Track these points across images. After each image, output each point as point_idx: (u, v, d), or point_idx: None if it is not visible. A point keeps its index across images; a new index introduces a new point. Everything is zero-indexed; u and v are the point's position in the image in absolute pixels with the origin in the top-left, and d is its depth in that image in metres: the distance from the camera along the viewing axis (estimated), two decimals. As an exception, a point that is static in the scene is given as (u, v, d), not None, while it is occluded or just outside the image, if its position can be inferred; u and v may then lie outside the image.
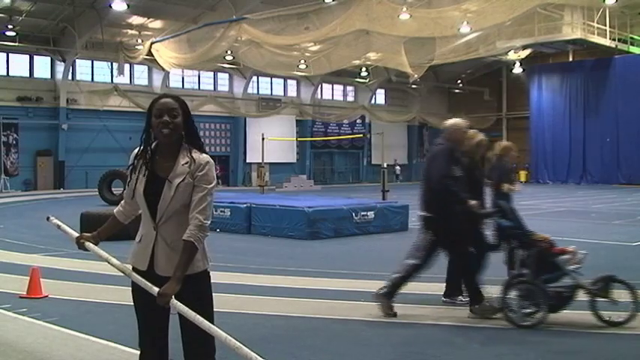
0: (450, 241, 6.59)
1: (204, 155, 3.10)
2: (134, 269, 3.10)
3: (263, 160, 30.22)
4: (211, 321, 3.02)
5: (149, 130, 3.12)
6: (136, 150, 3.19)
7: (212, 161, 3.11)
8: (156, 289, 2.95)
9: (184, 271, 2.96)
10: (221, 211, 14.65)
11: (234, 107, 39.45)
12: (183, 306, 2.94)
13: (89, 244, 3.22)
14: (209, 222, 3.03)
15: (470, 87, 49.15)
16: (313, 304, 7.12)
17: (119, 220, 3.29)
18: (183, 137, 3.10)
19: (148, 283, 3.01)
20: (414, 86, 45.66)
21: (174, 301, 2.93)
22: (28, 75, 32.68)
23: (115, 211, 3.32)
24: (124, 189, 3.28)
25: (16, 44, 30.58)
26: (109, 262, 3.17)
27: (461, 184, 6.44)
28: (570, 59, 42.48)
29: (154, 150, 3.13)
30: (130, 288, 3.19)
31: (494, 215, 6.90)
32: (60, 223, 3.47)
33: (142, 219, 3.15)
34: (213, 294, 3.21)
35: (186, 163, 3.04)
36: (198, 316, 2.92)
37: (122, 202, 3.30)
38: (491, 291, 6.64)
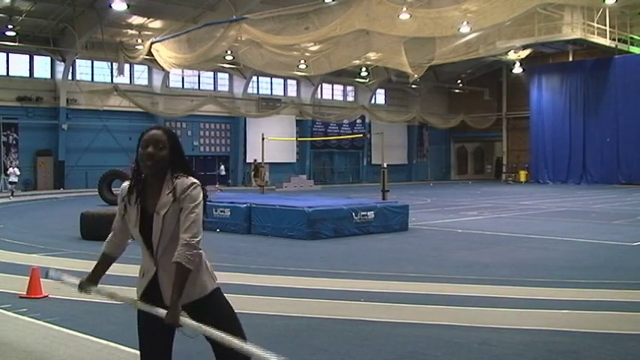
0: None
1: (188, 179, 3.03)
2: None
3: (263, 160, 30.23)
4: (242, 334, 3.07)
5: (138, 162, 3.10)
6: (126, 184, 3.16)
7: (197, 182, 3.05)
8: (163, 312, 2.94)
9: (179, 293, 2.91)
10: (221, 211, 14.66)
11: (234, 107, 39.45)
12: (195, 322, 2.92)
13: (91, 288, 3.24)
14: (198, 238, 2.96)
15: (470, 87, 49.16)
16: (313, 304, 7.12)
17: (111, 256, 3.27)
18: (168, 169, 3.06)
19: (153, 307, 3.00)
20: (414, 86, 45.68)
21: (183, 320, 2.91)
22: (28, 75, 32.68)
23: (104, 248, 3.26)
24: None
25: (16, 44, 30.58)
26: (113, 298, 3.21)
27: None
28: (570, 59, 42.48)
29: (144, 184, 3.10)
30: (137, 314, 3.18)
31: None
32: (61, 276, 3.43)
33: (142, 255, 3.13)
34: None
35: (169, 193, 3.01)
36: (211, 330, 2.88)
37: (110, 235, 3.25)
38: None
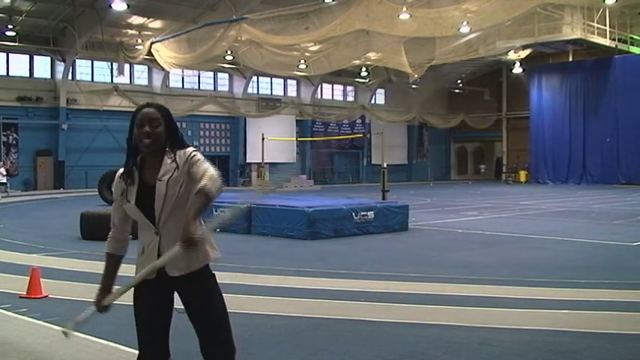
0: None
1: (188, 148, 3.09)
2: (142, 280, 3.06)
3: (263, 160, 30.23)
4: (225, 309, 3.11)
5: (132, 141, 3.09)
6: (120, 171, 3.15)
7: (196, 149, 3.12)
8: (177, 247, 2.86)
9: (198, 212, 2.87)
10: (221, 211, 14.64)
11: (234, 107, 39.44)
12: (211, 224, 3.00)
13: (107, 299, 3.15)
14: (218, 176, 2.97)
15: (470, 87, 49.14)
16: (313, 304, 7.12)
17: (115, 254, 3.18)
18: (166, 145, 3.09)
19: (162, 257, 2.96)
20: (414, 86, 45.66)
21: (200, 234, 2.86)
22: (28, 75, 32.68)
23: (107, 248, 3.19)
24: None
25: (16, 44, 30.59)
26: (129, 287, 3.08)
27: None
28: (570, 59, 42.48)
29: (141, 163, 3.11)
30: (133, 297, 3.16)
31: None
32: (77, 320, 3.24)
33: (140, 232, 3.11)
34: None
35: (172, 162, 3.04)
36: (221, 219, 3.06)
37: (110, 231, 3.19)
38: None
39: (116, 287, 3.18)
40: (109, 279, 3.16)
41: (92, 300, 3.19)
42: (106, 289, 3.15)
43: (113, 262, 3.18)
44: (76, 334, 5.64)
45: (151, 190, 3.02)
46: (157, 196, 3.01)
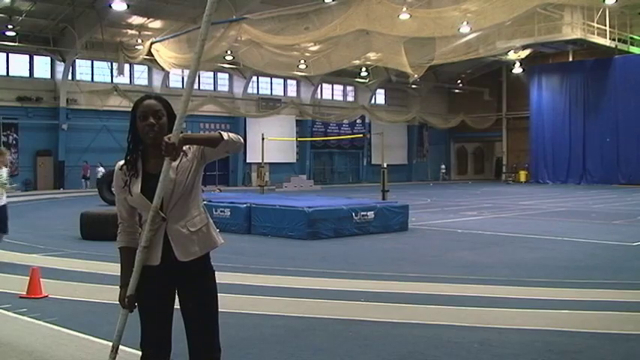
0: None
1: None
2: (145, 267, 3.03)
3: (263, 160, 30.23)
4: (218, 310, 3.12)
5: (135, 132, 3.08)
6: (120, 163, 3.13)
7: None
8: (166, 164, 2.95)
9: (197, 141, 3.11)
10: (221, 211, 14.66)
11: (234, 107, 39.45)
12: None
13: (128, 291, 3.05)
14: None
15: (470, 87, 49.16)
16: (313, 304, 7.12)
17: (129, 247, 3.12)
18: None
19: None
20: (414, 86, 45.69)
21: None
22: (28, 75, 32.70)
23: (119, 243, 3.14)
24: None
25: (16, 44, 30.61)
26: (140, 270, 3.03)
27: None
28: (570, 59, 42.49)
29: (143, 153, 3.11)
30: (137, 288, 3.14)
31: None
32: (117, 333, 3.17)
33: (145, 220, 3.10)
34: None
35: None
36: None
37: (119, 228, 3.15)
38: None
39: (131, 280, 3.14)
40: (128, 274, 3.06)
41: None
42: (126, 284, 3.07)
43: (129, 255, 3.10)
44: (76, 333, 5.67)
45: (156, 179, 2.99)
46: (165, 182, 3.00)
